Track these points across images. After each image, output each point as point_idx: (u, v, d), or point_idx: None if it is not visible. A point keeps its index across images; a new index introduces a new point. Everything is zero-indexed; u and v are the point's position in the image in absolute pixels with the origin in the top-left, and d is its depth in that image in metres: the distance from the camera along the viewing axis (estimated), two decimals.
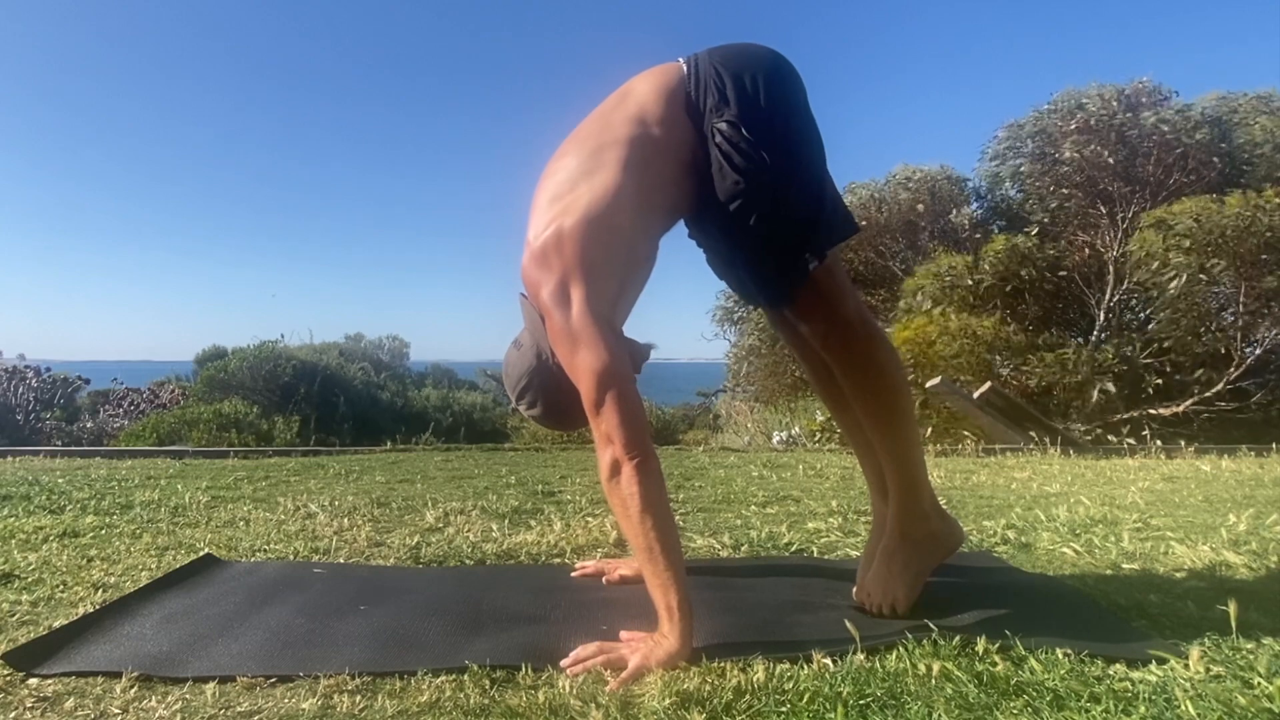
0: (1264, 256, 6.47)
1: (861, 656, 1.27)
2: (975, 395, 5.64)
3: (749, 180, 1.43)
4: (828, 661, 1.25)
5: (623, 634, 1.37)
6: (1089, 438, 6.20)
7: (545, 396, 1.54)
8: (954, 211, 9.56)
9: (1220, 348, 7.07)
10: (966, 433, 5.54)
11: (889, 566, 1.55)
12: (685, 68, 1.52)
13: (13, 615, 1.55)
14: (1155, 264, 6.87)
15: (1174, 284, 6.78)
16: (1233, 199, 6.54)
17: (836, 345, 1.59)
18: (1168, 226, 6.70)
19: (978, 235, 9.31)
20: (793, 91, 1.51)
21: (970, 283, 7.59)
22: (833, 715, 1.07)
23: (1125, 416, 6.74)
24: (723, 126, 1.44)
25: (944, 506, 1.69)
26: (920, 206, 9.38)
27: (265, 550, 2.15)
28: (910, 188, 9.50)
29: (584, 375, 1.33)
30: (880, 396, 1.59)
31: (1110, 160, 8.01)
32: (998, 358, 6.90)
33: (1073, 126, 8.22)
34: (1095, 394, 6.66)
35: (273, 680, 1.24)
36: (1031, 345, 7.10)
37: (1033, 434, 5.26)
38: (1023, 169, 8.97)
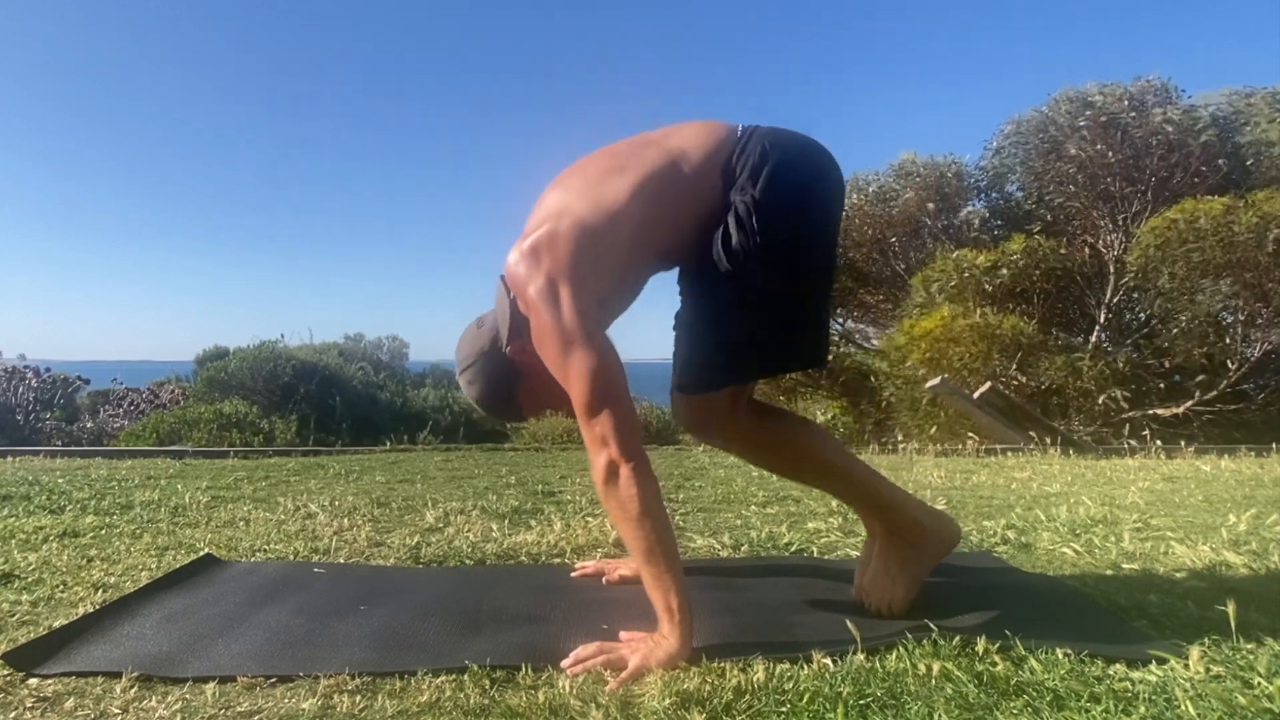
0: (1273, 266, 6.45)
1: (861, 656, 1.27)
2: (975, 395, 5.64)
3: (736, 267, 1.39)
4: (828, 661, 1.25)
5: (623, 634, 1.37)
6: (1089, 438, 6.20)
7: (486, 381, 1.56)
8: (962, 211, 9.54)
9: (1220, 349, 7.06)
10: (972, 435, 5.53)
11: (886, 567, 1.55)
12: (739, 132, 1.49)
13: (13, 615, 1.55)
14: (1163, 277, 6.85)
15: (1172, 286, 6.78)
16: (1241, 204, 6.51)
17: (738, 441, 1.62)
18: (1174, 230, 6.68)
19: (982, 235, 9.30)
20: (823, 211, 1.47)
21: (990, 282, 7.59)
22: (833, 715, 1.07)
23: (1126, 417, 6.74)
24: (739, 205, 1.40)
25: (942, 506, 1.69)
26: (930, 205, 9.36)
27: (265, 550, 2.15)
28: (915, 183, 9.46)
29: (578, 376, 1.32)
30: (801, 462, 1.61)
31: (1112, 160, 8.01)
32: (1012, 360, 6.87)
33: (1080, 124, 8.19)
34: (1103, 400, 6.64)
35: (273, 680, 1.24)
36: (1042, 345, 7.08)
37: (1033, 434, 5.27)
38: (1028, 164, 8.94)
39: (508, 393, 1.55)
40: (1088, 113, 8.18)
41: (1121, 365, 7.00)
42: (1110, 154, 7.98)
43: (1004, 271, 7.61)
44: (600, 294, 1.40)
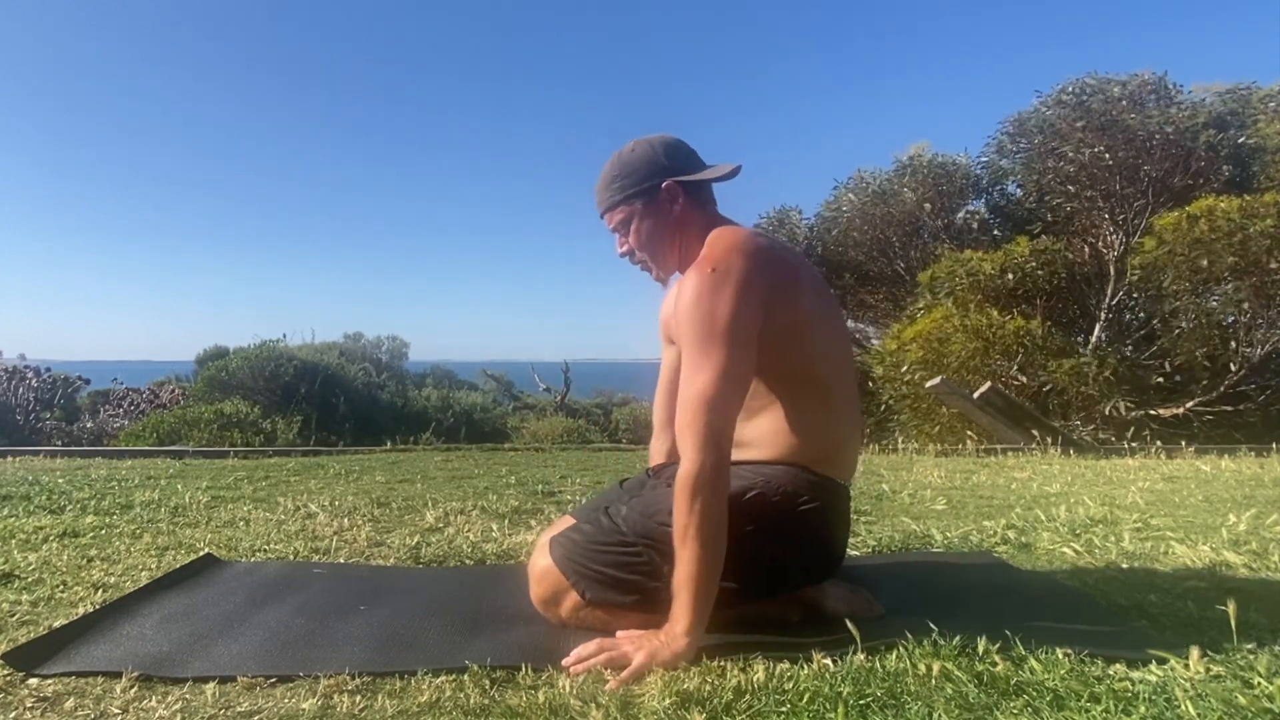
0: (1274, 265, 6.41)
1: (861, 656, 1.27)
2: (975, 395, 5.64)
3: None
4: (828, 661, 1.25)
5: (620, 633, 1.37)
6: (1089, 438, 6.20)
7: (630, 166, 1.51)
8: (961, 211, 9.53)
9: (1224, 352, 7.05)
10: (971, 435, 5.53)
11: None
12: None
13: (13, 615, 1.55)
14: (1168, 278, 6.83)
15: (1178, 288, 6.76)
16: (1257, 202, 6.47)
17: None
18: (1182, 229, 6.65)
19: (981, 236, 9.29)
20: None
21: (998, 282, 7.57)
22: (833, 715, 1.07)
23: (1127, 418, 6.73)
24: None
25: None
26: (927, 205, 9.35)
27: (265, 550, 2.15)
28: (916, 181, 9.44)
29: (715, 367, 1.30)
30: None
31: (1110, 160, 8.00)
32: (1012, 361, 6.84)
33: (1077, 125, 8.18)
34: (1109, 409, 6.62)
35: (273, 680, 1.24)
36: (1048, 347, 7.06)
37: (1033, 434, 5.26)
38: (1029, 164, 8.93)
39: (632, 191, 1.49)
40: (1084, 116, 8.17)
41: (1121, 367, 6.98)
42: (1109, 155, 7.97)
43: (1009, 276, 7.61)
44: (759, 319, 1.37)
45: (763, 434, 1.44)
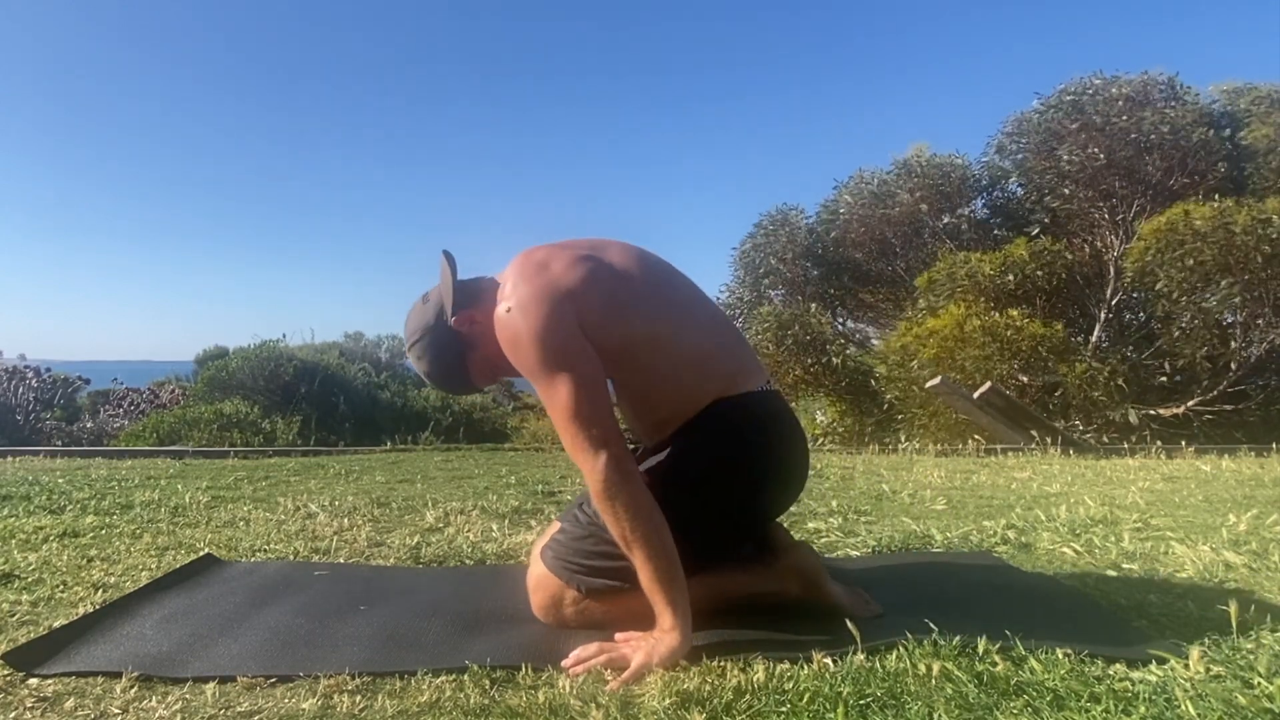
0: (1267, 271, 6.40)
1: (861, 656, 1.27)
2: (975, 395, 5.63)
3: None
4: (828, 661, 1.25)
5: (618, 635, 1.37)
6: (1089, 438, 6.19)
7: (434, 355, 1.57)
8: (962, 210, 9.53)
9: (1223, 353, 7.04)
10: (976, 436, 5.51)
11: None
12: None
13: (13, 615, 1.55)
14: (1160, 281, 6.82)
15: (1170, 289, 6.76)
16: (1239, 213, 6.47)
17: None
18: (1168, 234, 6.65)
19: (978, 235, 9.29)
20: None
21: (997, 283, 7.56)
22: (833, 715, 1.07)
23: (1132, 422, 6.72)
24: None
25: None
26: (924, 205, 9.34)
27: (265, 550, 2.15)
28: (915, 183, 9.42)
29: (567, 382, 1.34)
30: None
31: (1105, 160, 7.99)
32: (1025, 363, 6.81)
33: (1075, 126, 8.17)
34: (1118, 416, 6.61)
35: (273, 680, 1.24)
36: (1065, 350, 7.03)
37: (1033, 433, 5.26)
38: (1027, 164, 8.93)
39: (457, 365, 1.57)
40: (1080, 118, 8.16)
41: (1125, 369, 6.97)
42: (1104, 156, 7.95)
43: (1010, 278, 7.59)
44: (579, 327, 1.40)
45: (655, 415, 1.50)
